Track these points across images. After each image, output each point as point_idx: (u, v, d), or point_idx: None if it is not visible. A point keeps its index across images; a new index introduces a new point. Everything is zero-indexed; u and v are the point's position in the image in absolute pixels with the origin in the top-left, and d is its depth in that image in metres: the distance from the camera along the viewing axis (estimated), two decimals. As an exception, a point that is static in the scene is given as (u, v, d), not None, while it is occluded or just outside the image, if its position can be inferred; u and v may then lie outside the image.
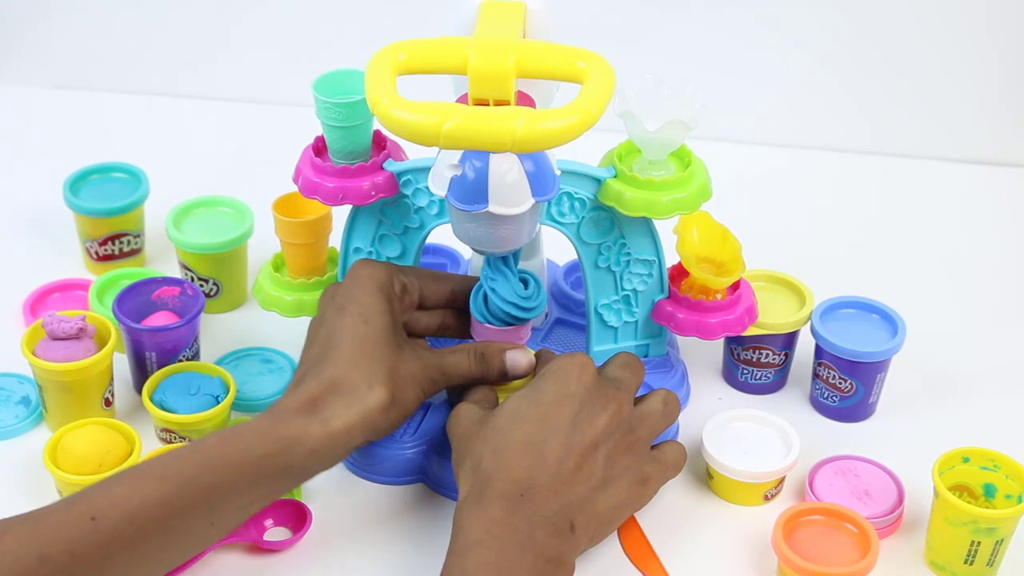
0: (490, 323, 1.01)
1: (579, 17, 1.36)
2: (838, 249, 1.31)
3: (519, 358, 0.99)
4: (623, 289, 1.07)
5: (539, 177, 0.91)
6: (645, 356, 1.10)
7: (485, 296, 1.01)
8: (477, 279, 1.02)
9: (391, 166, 1.03)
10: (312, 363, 0.95)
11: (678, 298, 1.07)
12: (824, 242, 1.32)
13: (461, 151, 0.90)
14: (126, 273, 1.18)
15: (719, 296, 1.07)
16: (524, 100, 0.95)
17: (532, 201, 0.92)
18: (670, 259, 1.07)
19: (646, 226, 1.04)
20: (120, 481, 0.88)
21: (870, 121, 1.46)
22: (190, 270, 1.20)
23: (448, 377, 0.99)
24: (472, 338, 1.03)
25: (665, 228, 1.05)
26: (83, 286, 1.20)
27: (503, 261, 1.00)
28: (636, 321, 1.08)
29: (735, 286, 1.07)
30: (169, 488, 0.87)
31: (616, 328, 1.08)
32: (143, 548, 0.86)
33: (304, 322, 1.11)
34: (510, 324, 1.01)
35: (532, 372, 1.01)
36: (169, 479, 0.87)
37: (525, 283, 1.01)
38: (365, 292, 0.97)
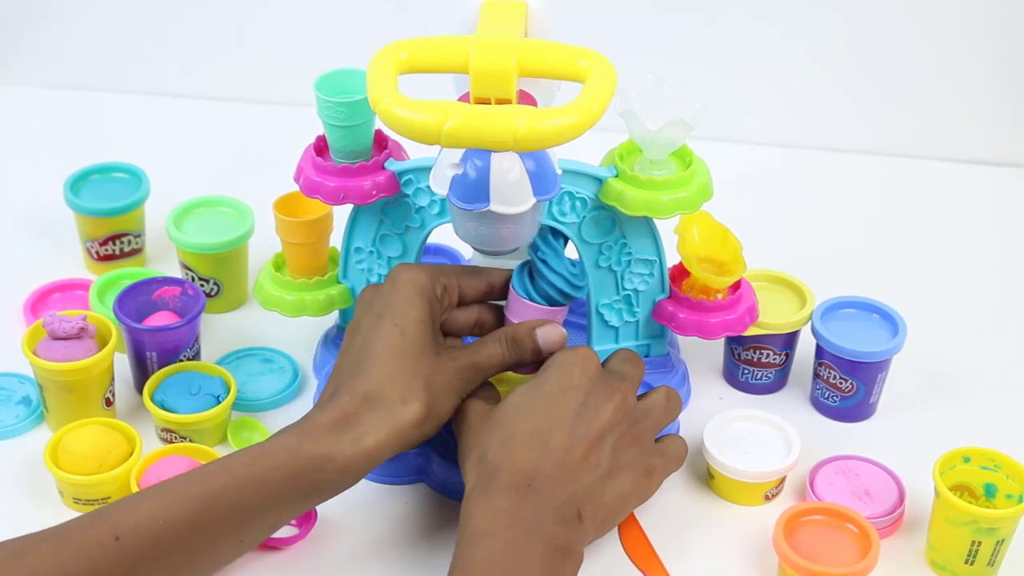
0: (534, 300, 0.99)
1: (580, 17, 1.37)
2: (838, 249, 1.31)
3: (551, 332, 0.97)
4: (624, 289, 1.07)
5: (540, 176, 0.91)
6: (646, 356, 1.10)
7: (531, 273, 0.99)
8: (510, 271, 1.01)
9: (392, 165, 1.03)
10: (346, 375, 0.94)
11: (679, 298, 1.07)
12: (824, 242, 1.32)
13: (462, 150, 0.90)
14: (126, 273, 1.18)
15: (720, 296, 1.07)
16: (526, 99, 0.95)
17: (533, 200, 0.92)
18: (671, 259, 1.07)
19: (647, 226, 1.04)
20: (145, 499, 0.87)
21: (870, 121, 1.46)
22: (191, 270, 1.20)
23: (483, 372, 0.97)
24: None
25: (666, 228, 1.05)
26: (83, 286, 1.20)
27: (554, 237, 0.99)
28: (637, 321, 1.08)
29: (736, 286, 1.07)
30: (195, 508, 0.86)
31: (617, 328, 1.08)
32: (167, 567, 0.86)
33: (305, 321, 1.11)
34: (554, 304, 0.99)
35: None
36: (195, 499, 0.86)
37: (573, 264, 1.00)
38: (404, 299, 0.95)
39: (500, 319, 1.01)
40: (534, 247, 0.99)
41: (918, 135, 1.45)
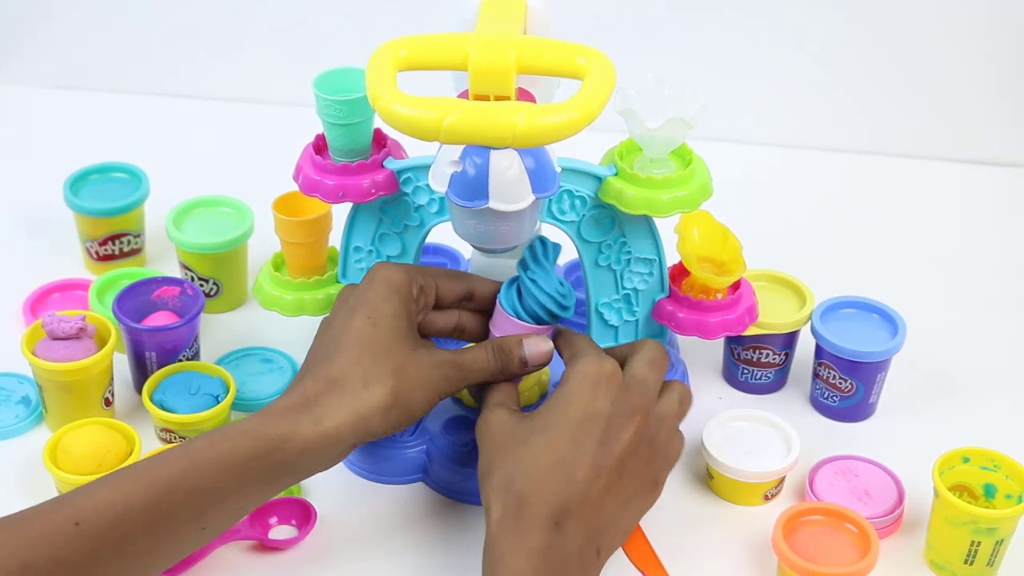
0: (521, 319, 0.98)
1: (580, 16, 1.37)
2: (838, 249, 1.31)
3: (538, 346, 0.96)
4: (623, 288, 1.07)
5: (539, 174, 0.91)
6: None
7: (519, 290, 0.99)
8: (495, 281, 1.00)
9: (391, 164, 1.03)
10: (312, 363, 0.94)
11: (679, 297, 1.07)
12: (824, 242, 1.32)
13: (462, 147, 0.90)
14: (126, 273, 1.18)
15: (720, 296, 1.07)
16: (525, 97, 0.95)
17: (532, 197, 0.92)
18: (670, 258, 1.07)
19: (647, 225, 1.04)
20: (104, 485, 0.86)
21: (870, 121, 1.46)
22: (190, 270, 1.20)
23: (465, 374, 0.95)
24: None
25: (666, 227, 1.05)
26: (83, 286, 1.20)
27: (544, 254, 0.98)
28: (636, 320, 1.08)
29: (735, 286, 1.07)
30: (154, 492, 0.85)
31: (616, 327, 1.08)
32: (129, 553, 0.85)
33: (304, 321, 1.11)
34: (541, 322, 0.98)
35: (548, 359, 0.98)
36: (154, 483, 0.86)
37: (561, 283, 0.99)
38: (378, 295, 0.95)
39: (482, 326, 1.01)
40: (523, 264, 0.99)
41: (918, 135, 1.45)
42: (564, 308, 0.98)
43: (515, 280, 0.99)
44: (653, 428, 0.92)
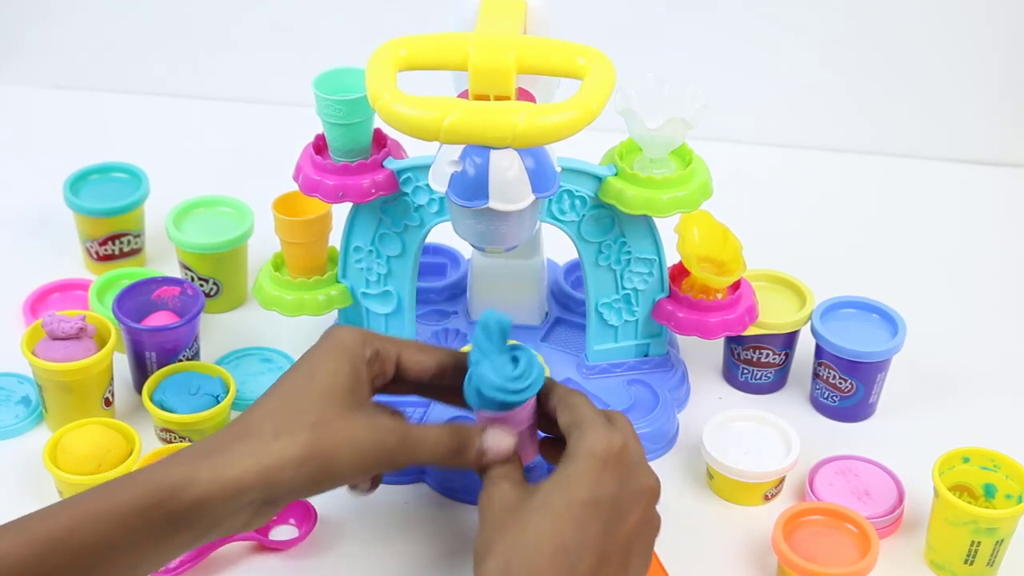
0: (484, 408, 0.89)
1: (579, 15, 1.36)
2: (838, 249, 1.31)
3: (500, 441, 0.88)
4: (623, 288, 1.07)
5: (539, 173, 0.91)
6: (645, 356, 1.10)
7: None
8: (464, 354, 0.92)
9: (391, 164, 1.03)
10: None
11: (679, 297, 1.07)
12: (824, 242, 1.32)
13: (462, 147, 0.90)
14: (126, 273, 1.18)
15: (720, 295, 1.07)
16: (525, 97, 0.95)
17: (532, 197, 0.92)
18: (670, 258, 1.07)
19: (647, 225, 1.04)
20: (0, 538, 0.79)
21: (870, 121, 1.46)
22: (190, 270, 1.20)
23: (410, 448, 0.86)
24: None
25: (666, 227, 1.05)
26: (83, 286, 1.20)
27: (487, 337, 0.88)
28: (636, 320, 1.08)
29: (735, 286, 1.07)
30: (38, 550, 0.78)
31: (616, 327, 1.08)
32: None
33: (304, 321, 1.11)
34: (507, 407, 0.89)
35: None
36: (40, 539, 0.79)
37: (516, 361, 0.89)
38: (323, 352, 0.88)
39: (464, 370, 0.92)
40: (473, 350, 0.89)
41: (918, 135, 1.45)
42: (518, 392, 0.88)
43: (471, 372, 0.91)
44: (655, 507, 0.88)
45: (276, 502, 0.85)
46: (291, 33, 1.50)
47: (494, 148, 0.89)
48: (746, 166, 1.41)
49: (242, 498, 0.82)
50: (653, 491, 0.87)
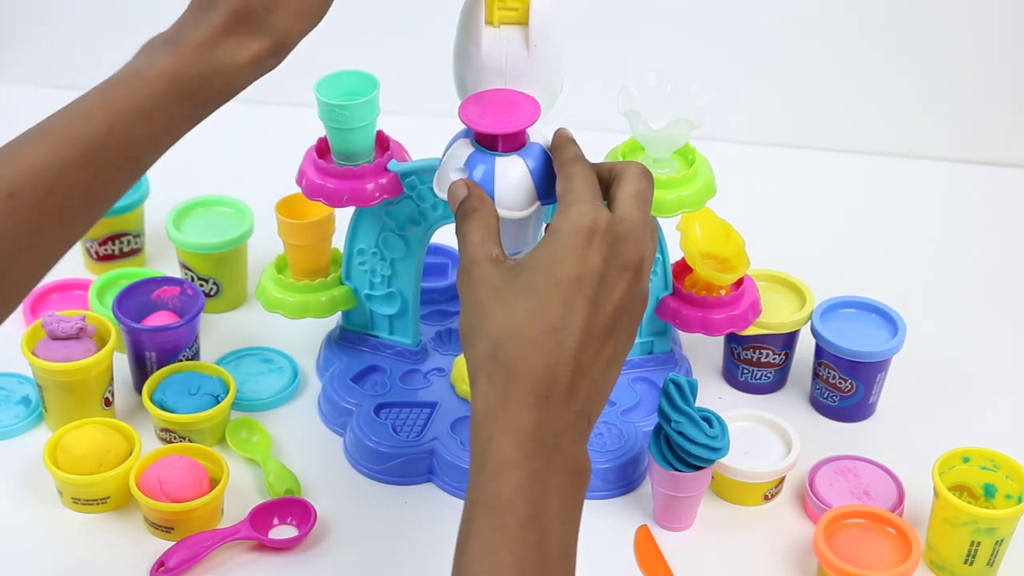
0: (678, 469, 0.98)
1: (582, 14, 1.36)
2: (838, 249, 1.31)
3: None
4: None
5: (544, 180, 0.90)
6: (650, 353, 1.10)
7: (668, 439, 0.98)
8: None
9: (395, 167, 1.02)
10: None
11: (682, 295, 1.07)
12: (824, 242, 1.32)
13: (467, 154, 0.89)
14: (126, 273, 1.18)
15: (723, 292, 1.07)
16: (528, 102, 0.93)
17: (537, 204, 0.91)
18: (674, 256, 1.07)
19: (648, 223, 1.04)
20: (30, 146, 0.84)
21: (871, 121, 1.46)
22: (190, 270, 1.20)
23: None
24: None
25: (669, 225, 1.05)
26: (83, 286, 1.20)
27: (684, 399, 0.98)
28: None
29: (739, 282, 1.07)
30: (85, 149, 0.83)
31: None
32: (68, 213, 0.83)
33: (306, 322, 1.11)
34: (699, 468, 0.98)
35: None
36: (83, 139, 0.83)
37: (708, 421, 0.98)
38: None
39: None
40: (663, 414, 0.98)
41: (918, 135, 1.45)
42: (718, 451, 0.98)
43: (660, 432, 0.99)
44: (642, 272, 0.85)
45: (285, 55, 0.94)
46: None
47: (499, 155, 0.88)
48: (746, 166, 1.41)
49: (262, 70, 0.91)
50: (640, 264, 0.84)
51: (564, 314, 0.81)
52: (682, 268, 1.09)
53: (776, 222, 1.34)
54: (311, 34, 1.53)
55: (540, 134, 0.89)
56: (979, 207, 1.40)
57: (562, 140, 0.89)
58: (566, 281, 0.81)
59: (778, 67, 1.45)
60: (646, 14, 1.44)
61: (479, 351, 0.82)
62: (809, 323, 1.10)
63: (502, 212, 0.89)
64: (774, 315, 1.11)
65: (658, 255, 1.06)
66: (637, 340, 1.10)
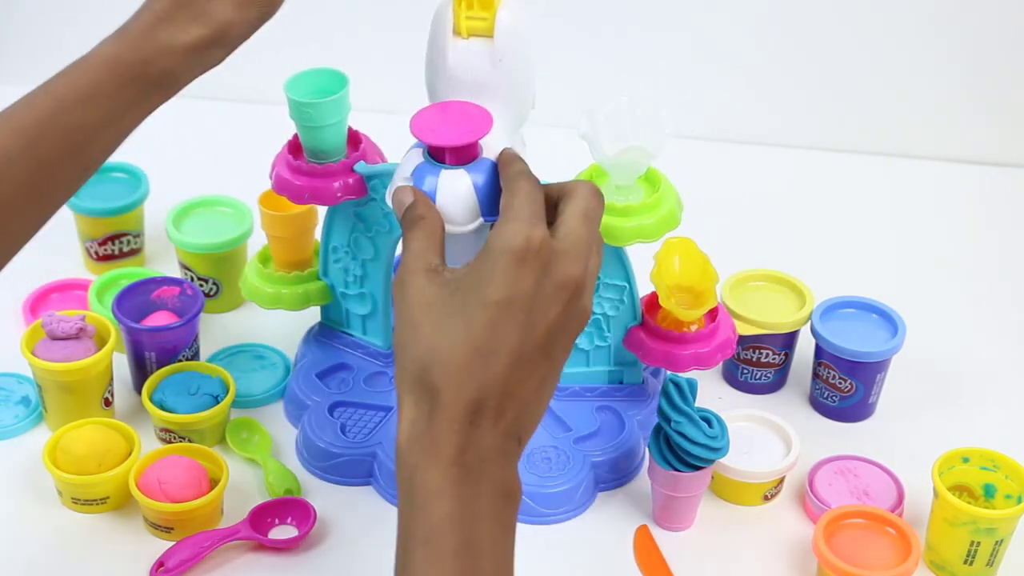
0: (678, 469, 0.98)
1: (581, 13, 1.37)
2: (838, 249, 1.31)
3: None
4: (594, 312, 1.04)
5: (491, 196, 0.87)
6: (620, 383, 1.08)
7: (667, 439, 0.98)
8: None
9: (361, 168, 1.02)
10: None
11: (650, 327, 1.04)
12: (824, 242, 1.32)
13: (415, 165, 0.87)
14: (126, 273, 1.18)
15: (694, 327, 1.03)
16: (481, 115, 0.88)
17: (481, 220, 0.87)
18: (645, 286, 1.04)
19: (615, 251, 1.01)
20: None
21: (871, 121, 1.46)
22: (190, 270, 1.20)
23: None
24: None
25: (642, 254, 1.02)
26: (83, 286, 1.20)
27: (684, 399, 0.97)
28: (609, 346, 1.06)
29: (713, 316, 1.04)
30: (29, 137, 0.84)
31: (588, 351, 1.06)
32: (15, 205, 0.84)
33: (305, 322, 1.11)
34: (699, 468, 0.98)
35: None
36: (26, 128, 0.84)
37: (708, 421, 0.98)
38: None
39: None
40: (663, 414, 0.98)
41: (918, 135, 1.45)
42: (718, 451, 0.98)
43: (659, 432, 0.99)
44: (583, 289, 0.82)
45: (230, 46, 0.94)
46: (291, 33, 1.50)
47: (446, 168, 0.86)
48: (746, 166, 1.41)
49: (206, 59, 0.91)
50: (577, 284, 0.81)
51: (491, 337, 0.78)
52: (654, 300, 1.04)
53: (776, 222, 1.34)
54: (312, 34, 1.54)
55: (495, 151, 0.86)
56: (979, 207, 1.39)
57: (508, 157, 0.86)
58: (495, 303, 0.78)
59: (777, 67, 1.45)
60: (643, 14, 1.44)
61: (407, 372, 0.79)
62: (809, 323, 1.10)
63: (447, 227, 0.86)
64: (774, 315, 1.11)
65: (624, 283, 1.03)
66: (605, 368, 1.08)
